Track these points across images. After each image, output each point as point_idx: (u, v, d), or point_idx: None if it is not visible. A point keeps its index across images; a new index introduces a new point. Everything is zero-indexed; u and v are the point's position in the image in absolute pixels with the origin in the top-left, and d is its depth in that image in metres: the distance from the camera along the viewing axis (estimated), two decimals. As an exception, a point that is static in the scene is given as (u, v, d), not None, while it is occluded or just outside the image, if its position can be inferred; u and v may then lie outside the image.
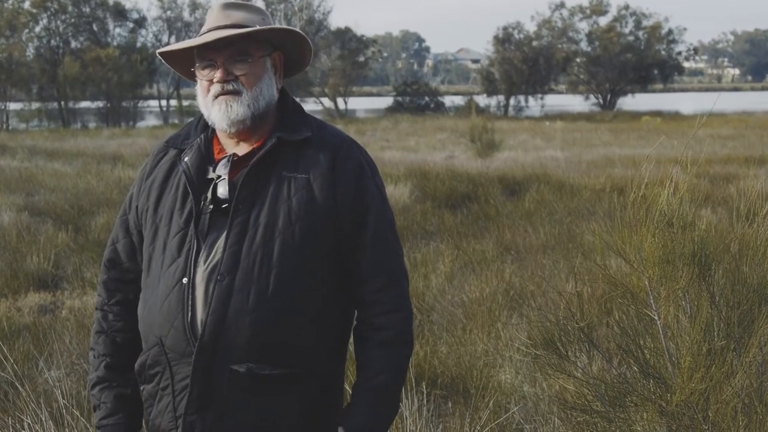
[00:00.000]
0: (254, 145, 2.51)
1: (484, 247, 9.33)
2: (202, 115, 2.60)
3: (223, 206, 2.44)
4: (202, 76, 2.52)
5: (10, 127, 44.11)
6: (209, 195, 2.46)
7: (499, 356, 5.70)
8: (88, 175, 15.78)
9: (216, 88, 2.49)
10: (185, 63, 2.62)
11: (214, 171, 2.50)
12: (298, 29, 2.58)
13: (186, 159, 2.52)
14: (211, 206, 2.45)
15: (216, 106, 2.49)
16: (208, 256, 2.41)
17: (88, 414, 4.42)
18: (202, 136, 2.57)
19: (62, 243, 9.64)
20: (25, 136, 31.70)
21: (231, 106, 2.47)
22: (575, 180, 14.35)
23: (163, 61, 2.65)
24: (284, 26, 2.58)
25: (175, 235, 2.45)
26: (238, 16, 2.52)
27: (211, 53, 2.50)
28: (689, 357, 2.94)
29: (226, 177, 2.47)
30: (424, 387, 4.71)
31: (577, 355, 3.31)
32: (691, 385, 2.92)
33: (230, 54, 2.49)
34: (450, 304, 7.06)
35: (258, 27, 2.50)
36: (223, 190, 2.45)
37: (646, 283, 3.09)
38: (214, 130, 2.58)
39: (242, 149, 2.52)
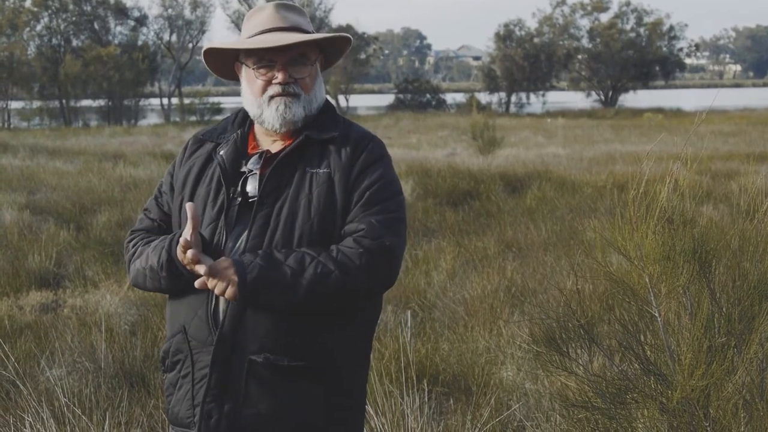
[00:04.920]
0: (287, 143, 2.57)
1: (485, 244, 9.32)
2: (239, 111, 2.67)
3: (250, 200, 2.50)
4: (260, 75, 2.55)
5: (11, 126, 44.16)
6: (239, 188, 2.52)
7: (500, 353, 5.70)
8: (90, 173, 15.78)
9: (275, 89, 2.53)
10: (224, 60, 2.65)
11: (246, 165, 2.56)
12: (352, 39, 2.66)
13: (222, 152, 2.59)
14: (239, 199, 2.51)
15: (273, 106, 2.53)
16: (232, 248, 2.47)
17: (90, 413, 4.43)
18: (239, 131, 2.63)
19: (64, 241, 9.63)
20: (27, 135, 31.71)
21: (290, 108, 2.52)
22: (577, 177, 14.32)
23: (202, 58, 2.68)
24: (348, 35, 2.64)
25: (207, 226, 2.50)
26: (293, 18, 2.58)
27: (271, 54, 2.53)
28: (690, 354, 2.93)
29: (257, 172, 2.53)
30: (426, 384, 4.71)
31: (579, 353, 3.31)
32: (692, 382, 2.91)
33: (291, 56, 2.54)
34: (451, 302, 7.05)
35: (329, 35, 2.58)
36: (251, 187, 2.51)
37: (647, 279, 3.09)
38: (250, 126, 2.64)
39: (276, 147, 2.58)
